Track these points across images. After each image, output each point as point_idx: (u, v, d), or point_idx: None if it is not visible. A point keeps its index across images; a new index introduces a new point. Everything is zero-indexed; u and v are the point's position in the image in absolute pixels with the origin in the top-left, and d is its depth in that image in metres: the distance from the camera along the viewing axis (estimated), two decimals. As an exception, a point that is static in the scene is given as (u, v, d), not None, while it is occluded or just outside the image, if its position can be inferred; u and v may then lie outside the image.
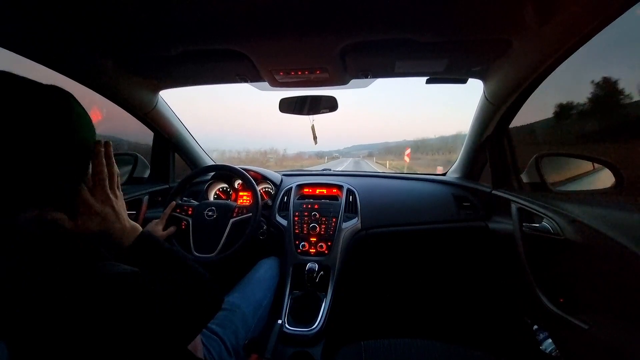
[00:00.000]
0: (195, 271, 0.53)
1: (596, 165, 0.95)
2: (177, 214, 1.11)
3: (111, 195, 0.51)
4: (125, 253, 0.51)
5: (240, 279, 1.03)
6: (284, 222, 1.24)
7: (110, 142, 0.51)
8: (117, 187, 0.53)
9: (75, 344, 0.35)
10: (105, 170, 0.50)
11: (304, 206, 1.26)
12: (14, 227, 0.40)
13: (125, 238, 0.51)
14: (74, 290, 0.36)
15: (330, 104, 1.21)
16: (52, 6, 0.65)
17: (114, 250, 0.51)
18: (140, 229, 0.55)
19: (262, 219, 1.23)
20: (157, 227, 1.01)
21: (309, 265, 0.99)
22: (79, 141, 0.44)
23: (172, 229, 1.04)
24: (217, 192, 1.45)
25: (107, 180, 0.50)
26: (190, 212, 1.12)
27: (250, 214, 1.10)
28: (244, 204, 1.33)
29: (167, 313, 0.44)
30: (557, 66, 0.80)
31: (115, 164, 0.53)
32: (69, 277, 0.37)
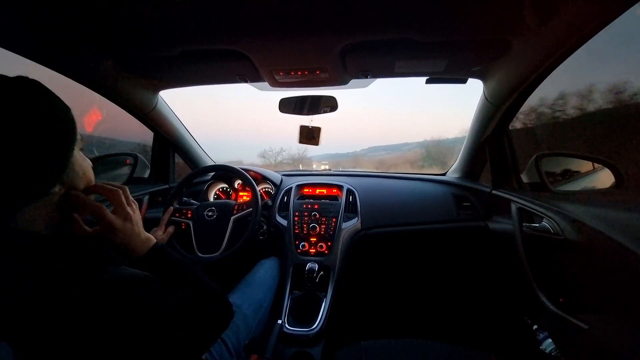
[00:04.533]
0: (206, 283, 0.55)
1: (596, 165, 0.95)
2: (176, 218, 1.10)
3: (129, 211, 0.53)
4: (138, 262, 0.52)
5: (241, 279, 1.03)
6: (284, 222, 1.23)
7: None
8: (132, 200, 0.56)
9: (84, 344, 0.35)
10: (116, 189, 0.52)
11: (304, 206, 1.26)
12: (15, 227, 0.39)
13: (139, 248, 0.53)
14: (82, 291, 0.36)
15: (330, 104, 1.20)
16: (52, 6, 0.65)
17: (127, 258, 0.53)
18: (154, 240, 0.57)
19: (262, 219, 1.23)
20: (157, 233, 1.00)
21: (309, 265, 0.99)
22: (56, 127, 0.42)
23: (170, 229, 1.03)
24: (217, 192, 1.45)
25: (123, 197, 0.52)
26: (190, 215, 1.11)
27: (251, 209, 1.10)
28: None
29: (176, 319, 0.44)
30: (557, 66, 0.80)
31: (113, 185, 0.53)
32: (78, 279, 0.37)
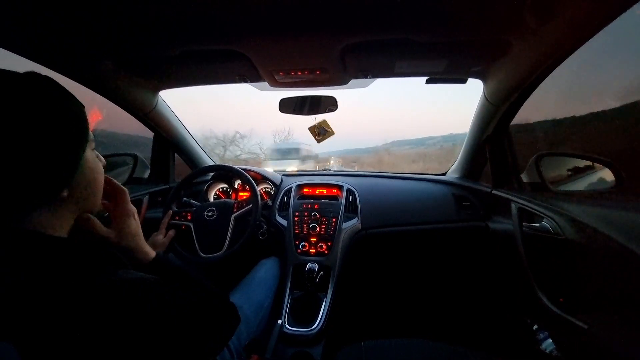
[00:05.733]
0: (210, 290, 0.55)
1: (596, 164, 0.95)
2: (176, 221, 1.09)
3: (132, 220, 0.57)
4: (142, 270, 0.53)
5: (241, 279, 1.03)
6: (284, 222, 1.23)
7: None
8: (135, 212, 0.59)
9: (91, 346, 0.34)
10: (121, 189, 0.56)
11: (304, 206, 1.26)
12: (24, 229, 0.39)
13: (143, 258, 0.56)
14: (90, 293, 0.36)
15: (330, 104, 1.20)
16: (52, 6, 0.65)
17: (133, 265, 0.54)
18: (154, 253, 0.59)
19: (262, 219, 1.23)
20: (158, 237, 0.99)
21: (309, 265, 0.99)
22: (68, 127, 0.40)
23: (171, 232, 1.03)
24: (217, 192, 1.45)
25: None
26: (189, 217, 1.10)
27: (251, 206, 1.10)
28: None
29: (184, 323, 0.44)
30: (557, 66, 0.80)
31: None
32: (86, 280, 0.37)
